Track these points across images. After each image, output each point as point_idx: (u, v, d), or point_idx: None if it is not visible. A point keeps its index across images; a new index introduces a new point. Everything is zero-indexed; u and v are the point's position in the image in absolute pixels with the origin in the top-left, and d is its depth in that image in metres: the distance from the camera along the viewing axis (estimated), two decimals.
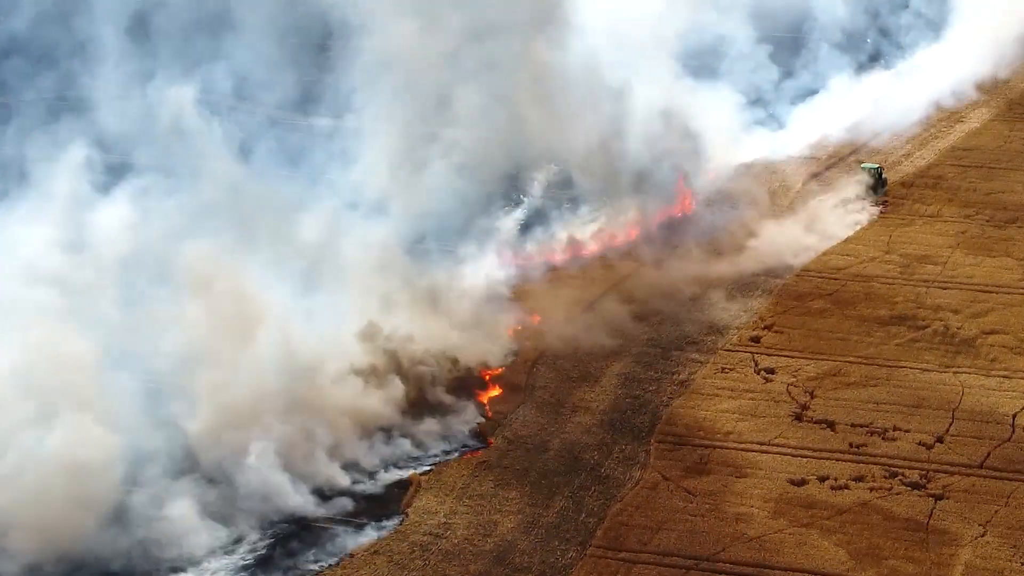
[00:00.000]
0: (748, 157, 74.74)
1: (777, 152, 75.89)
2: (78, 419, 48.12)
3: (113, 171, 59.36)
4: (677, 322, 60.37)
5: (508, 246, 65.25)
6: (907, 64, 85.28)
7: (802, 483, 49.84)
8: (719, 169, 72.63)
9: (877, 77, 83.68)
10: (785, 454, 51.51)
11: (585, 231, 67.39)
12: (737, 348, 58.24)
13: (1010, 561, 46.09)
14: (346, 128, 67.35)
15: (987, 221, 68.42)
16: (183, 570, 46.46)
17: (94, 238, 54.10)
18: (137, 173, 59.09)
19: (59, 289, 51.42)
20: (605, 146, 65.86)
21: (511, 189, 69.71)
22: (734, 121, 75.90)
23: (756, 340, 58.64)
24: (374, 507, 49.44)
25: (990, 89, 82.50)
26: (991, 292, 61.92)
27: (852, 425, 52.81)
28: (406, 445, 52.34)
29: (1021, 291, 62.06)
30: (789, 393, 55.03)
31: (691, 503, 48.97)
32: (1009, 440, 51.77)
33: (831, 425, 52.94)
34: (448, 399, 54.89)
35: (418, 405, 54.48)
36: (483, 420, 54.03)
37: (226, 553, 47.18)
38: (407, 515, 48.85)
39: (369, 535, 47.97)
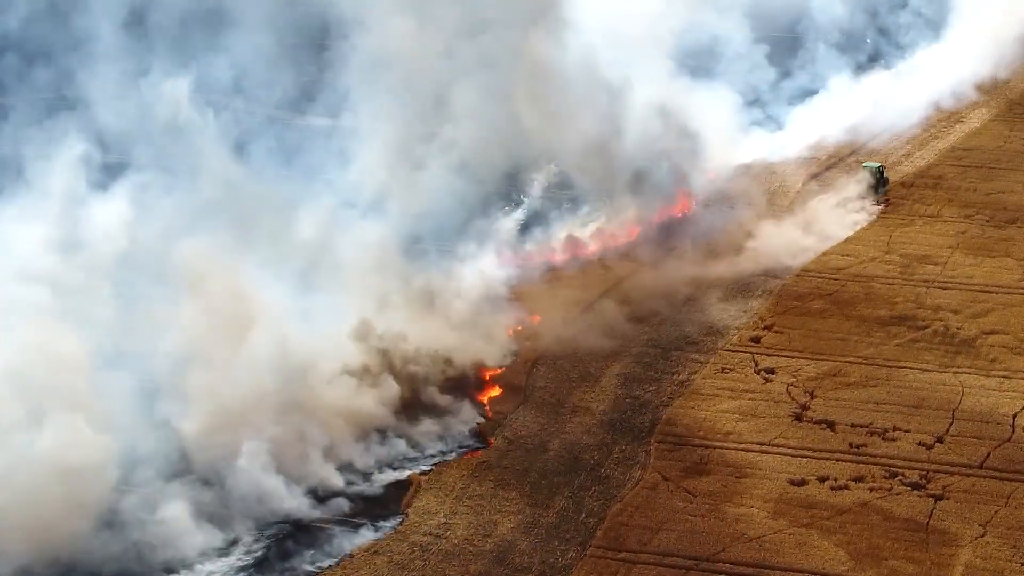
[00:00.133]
0: (747, 158, 74.60)
1: (776, 153, 75.72)
2: (71, 420, 47.75)
3: (109, 169, 59.06)
4: (677, 322, 60.17)
5: (507, 246, 65.03)
6: (907, 64, 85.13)
7: (802, 483, 49.64)
8: (718, 170, 72.44)
9: (876, 77, 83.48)
10: (785, 454, 51.32)
11: (584, 231, 67.20)
12: (737, 348, 58.02)
13: (1010, 561, 45.91)
14: (343, 127, 67.12)
15: (987, 221, 68.25)
16: (177, 572, 46.12)
17: (89, 236, 53.78)
18: (134, 170, 58.83)
19: (52, 288, 51.05)
20: (604, 146, 65.67)
21: (510, 189, 69.54)
22: (733, 122, 75.69)
23: (756, 340, 58.44)
24: (373, 508, 49.24)
25: (990, 89, 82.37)
26: (991, 292, 61.72)
27: (852, 425, 52.61)
28: (401, 446, 52.09)
29: (1021, 291, 61.86)
30: (789, 393, 54.79)
31: (691, 503, 48.75)
32: (1009, 440, 51.59)
33: (831, 425, 52.73)
34: (443, 399, 54.59)
35: (412, 405, 54.21)
36: (483, 420, 53.79)
37: (221, 555, 46.88)
38: (407, 515, 48.65)
39: (367, 536, 47.69)
